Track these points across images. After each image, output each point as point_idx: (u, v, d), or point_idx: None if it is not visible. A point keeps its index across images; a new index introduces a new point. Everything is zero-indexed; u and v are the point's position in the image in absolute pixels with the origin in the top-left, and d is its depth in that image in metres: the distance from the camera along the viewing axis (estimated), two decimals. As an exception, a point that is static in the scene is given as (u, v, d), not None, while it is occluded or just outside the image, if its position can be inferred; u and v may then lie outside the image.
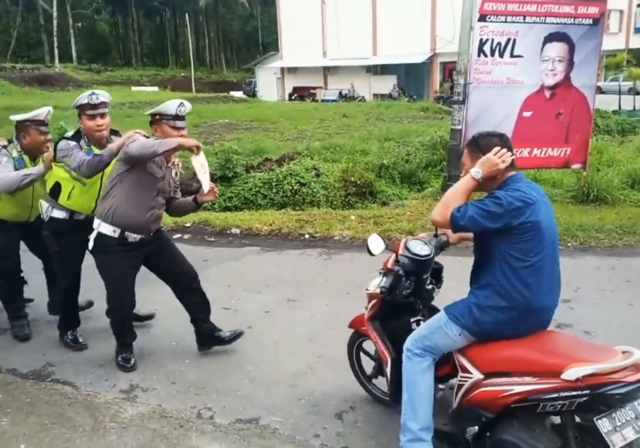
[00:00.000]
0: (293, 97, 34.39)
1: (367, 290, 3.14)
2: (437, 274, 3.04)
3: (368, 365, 3.43)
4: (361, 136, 13.69)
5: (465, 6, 7.92)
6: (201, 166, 3.42)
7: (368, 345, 3.34)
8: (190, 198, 3.86)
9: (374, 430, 3.14)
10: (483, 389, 2.40)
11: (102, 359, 3.97)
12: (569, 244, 6.11)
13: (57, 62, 43.12)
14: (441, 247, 3.02)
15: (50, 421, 3.24)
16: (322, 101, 31.12)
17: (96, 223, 3.58)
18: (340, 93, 32.01)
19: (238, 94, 34.73)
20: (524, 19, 7.29)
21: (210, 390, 3.58)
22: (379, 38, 31.59)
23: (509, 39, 7.34)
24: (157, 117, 3.52)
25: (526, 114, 7.68)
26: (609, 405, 2.10)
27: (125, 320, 3.86)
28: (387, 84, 31.41)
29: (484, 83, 7.46)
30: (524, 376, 2.28)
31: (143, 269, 3.95)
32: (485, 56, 7.38)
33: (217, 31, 58.79)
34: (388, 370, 2.97)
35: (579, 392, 2.12)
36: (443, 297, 3.11)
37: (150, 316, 4.50)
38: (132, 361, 3.84)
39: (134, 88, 37.43)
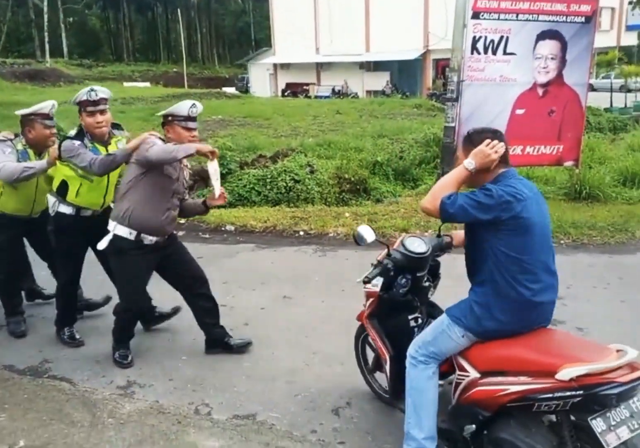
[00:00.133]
0: (286, 94, 34.34)
1: (364, 287, 3.17)
2: (434, 271, 3.06)
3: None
4: (355, 133, 13.73)
5: (458, 3, 7.93)
6: (215, 171, 3.46)
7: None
8: (199, 201, 3.89)
9: (371, 426, 3.18)
10: (480, 388, 2.42)
11: (99, 355, 3.98)
12: (562, 241, 6.17)
13: (48, 57, 42.82)
14: (442, 248, 3.02)
15: (49, 417, 3.25)
16: (315, 97, 31.09)
17: (111, 225, 3.58)
18: (333, 89, 31.99)
19: (230, 90, 34.65)
20: (517, 16, 7.31)
21: (208, 386, 3.60)
22: (372, 34, 31.58)
23: (502, 37, 7.36)
24: (169, 118, 3.54)
25: (519, 111, 7.72)
26: (603, 405, 2.10)
27: (132, 320, 3.88)
28: (380, 81, 31.43)
29: (477, 80, 7.48)
30: (519, 375, 2.29)
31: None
32: (479, 53, 7.39)
33: (209, 26, 58.57)
34: (387, 367, 2.99)
35: (573, 392, 2.12)
36: (442, 294, 3.15)
37: (175, 310, 4.37)
38: (129, 358, 3.86)
39: (125, 84, 37.27)
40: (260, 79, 38.69)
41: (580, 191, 7.98)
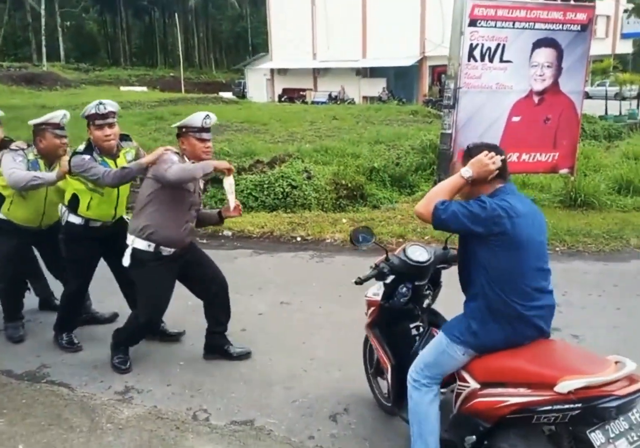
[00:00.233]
0: (283, 99, 34.37)
1: (365, 296, 3.18)
2: (435, 280, 3.06)
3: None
4: (351, 139, 13.75)
5: (455, 11, 7.99)
6: (230, 186, 3.53)
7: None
8: (215, 211, 3.93)
9: (368, 432, 3.19)
10: (480, 399, 2.42)
11: (97, 361, 3.99)
12: (557, 248, 6.21)
13: (45, 61, 42.79)
14: (447, 261, 3.00)
15: (47, 422, 3.26)
16: (312, 102, 31.12)
17: (130, 239, 3.59)
18: (329, 95, 32.05)
19: (227, 95, 34.63)
20: (514, 24, 7.38)
21: (205, 392, 3.61)
22: (368, 41, 31.70)
23: (498, 44, 7.42)
24: (184, 130, 3.56)
25: (515, 119, 7.78)
26: (602, 417, 2.10)
27: (145, 332, 3.91)
28: (376, 87, 31.52)
29: (474, 88, 7.54)
30: (518, 387, 2.29)
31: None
32: (475, 60, 7.45)
33: (206, 31, 58.68)
34: (388, 376, 2.99)
35: (572, 405, 2.12)
36: (446, 302, 3.17)
37: (180, 334, 4.39)
38: (128, 364, 3.87)
39: (122, 88, 37.22)
40: (257, 84, 38.75)
41: (576, 199, 8.04)
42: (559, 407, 2.15)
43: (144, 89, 37.00)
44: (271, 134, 15.85)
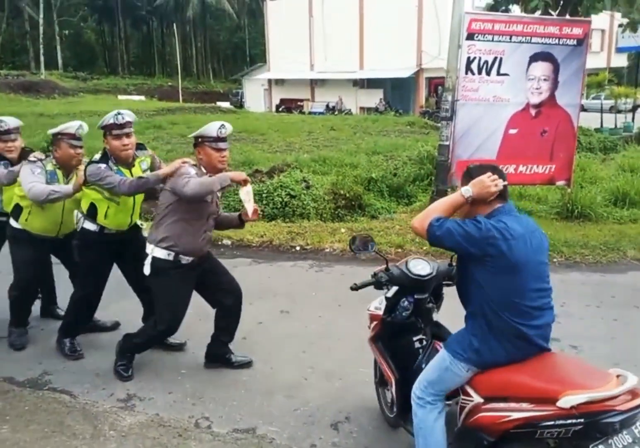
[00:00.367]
0: (280, 109, 34.56)
1: (367, 310, 3.20)
2: (437, 292, 3.06)
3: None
4: (349, 149, 13.85)
5: (453, 25, 8.11)
6: (247, 193, 3.56)
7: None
8: (235, 215, 3.95)
9: (370, 441, 3.22)
10: (483, 414, 2.42)
11: (98, 368, 4.01)
12: (555, 259, 6.27)
13: (43, 69, 42.90)
14: (452, 278, 2.96)
15: (50, 429, 3.28)
16: (309, 113, 31.34)
17: (149, 248, 3.62)
18: (327, 106, 32.27)
19: (225, 104, 34.88)
20: (511, 38, 7.47)
21: (207, 400, 3.63)
22: (365, 52, 31.94)
23: (495, 58, 7.51)
24: (200, 139, 3.58)
25: (512, 131, 7.86)
26: (605, 432, 2.10)
27: (159, 340, 3.96)
28: (373, 98, 31.72)
29: (471, 100, 7.62)
30: (521, 402, 2.29)
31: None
32: (473, 73, 7.53)
33: (204, 41, 58.90)
34: (393, 390, 2.99)
35: (574, 420, 2.13)
36: (450, 315, 3.21)
37: (181, 345, 4.35)
38: (130, 371, 3.88)
39: (120, 97, 37.38)
40: (255, 94, 38.94)
41: (572, 210, 8.11)
42: (561, 422, 2.15)
43: (142, 98, 37.15)
44: (269, 143, 15.97)
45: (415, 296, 2.92)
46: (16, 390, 3.73)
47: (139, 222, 4.17)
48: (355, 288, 2.96)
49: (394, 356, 3.03)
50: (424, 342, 2.98)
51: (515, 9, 12.57)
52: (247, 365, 4.05)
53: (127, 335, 3.95)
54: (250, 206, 3.59)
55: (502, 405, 2.36)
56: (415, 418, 2.64)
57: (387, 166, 11.26)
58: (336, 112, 30.22)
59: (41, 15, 43.75)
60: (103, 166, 3.71)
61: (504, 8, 12.28)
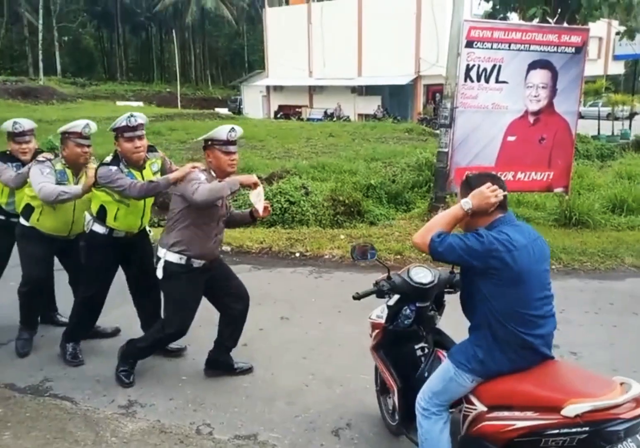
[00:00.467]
0: (279, 116, 34.67)
1: (369, 318, 3.21)
2: (439, 300, 3.06)
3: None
4: (348, 156, 13.89)
5: (452, 33, 8.17)
6: (257, 195, 3.55)
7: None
8: (247, 212, 3.96)
9: (370, 447, 3.22)
10: (487, 422, 2.42)
11: (99, 375, 4.01)
12: (553, 266, 6.28)
13: (42, 75, 42.95)
14: (453, 285, 2.99)
15: (52, 435, 3.28)
16: (308, 119, 31.44)
17: (161, 252, 3.63)
18: (325, 112, 32.36)
19: (224, 111, 34.95)
20: (509, 46, 7.52)
21: (208, 406, 3.64)
22: (364, 59, 32.06)
23: (494, 65, 7.56)
24: (209, 142, 3.58)
25: (510, 138, 7.90)
26: (610, 441, 2.10)
27: (165, 344, 3.97)
28: (371, 105, 31.82)
29: (470, 107, 7.66)
30: (525, 410, 2.30)
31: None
32: (472, 81, 7.58)
33: (203, 48, 59.07)
34: (395, 399, 2.99)
35: (579, 429, 2.13)
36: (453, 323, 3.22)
37: (181, 349, 4.37)
38: (132, 378, 3.89)
39: (119, 103, 37.45)
40: (253, 100, 39.02)
41: (570, 217, 8.13)
42: (566, 430, 2.16)
43: (140, 104, 37.24)
44: (268, 150, 16.01)
45: (417, 305, 2.93)
46: (17, 396, 3.73)
47: (147, 228, 4.19)
48: (358, 297, 2.96)
49: (396, 365, 3.02)
50: (426, 350, 2.98)
51: (514, 17, 12.64)
52: (248, 371, 4.06)
53: (131, 340, 3.95)
54: (260, 206, 3.57)
55: (506, 413, 2.36)
56: (421, 429, 2.63)
57: (386, 173, 11.31)
58: (334, 119, 30.31)
59: (40, 21, 43.82)
60: (114, 168, 3.72)
61: (502, 16, 12.34)
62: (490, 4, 12.35)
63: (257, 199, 3.56)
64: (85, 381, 3.93)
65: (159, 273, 3.64)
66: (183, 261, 3.61)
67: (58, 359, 4.21)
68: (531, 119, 7.89)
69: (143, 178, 3.86)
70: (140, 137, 3.79)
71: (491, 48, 7.47)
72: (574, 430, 2.14)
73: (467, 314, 2.61)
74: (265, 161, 13.38)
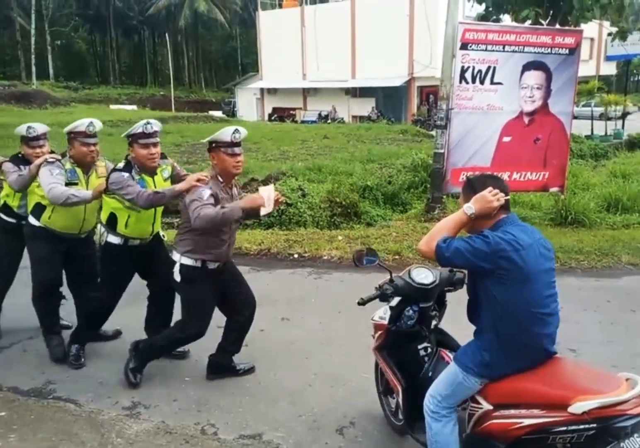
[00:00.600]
0: (273, 118, 34.67)
1: (372, 319, 3.23)
2: (440, 300, 3.09)
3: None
4: (343, 158, 13.94)
5: (447, 35, 8.24)
6: (268, 190, 3.56)
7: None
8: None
9: (375, 445, 3.26)
10: (494, 421, 2.44)
11: (102, 377, 4.03)
12: (550, 265, 6.33)
13: (35, 80, 42.83)
14: (453, 284, 3.02)
15: (58, 437, 3.29)
16: (302, 122, 31.47)
17: (176, 256, 3.65)
18: (319, 114, 32.40)
19: (218, 113, 34.92)
20: (504, 48, 7.60)
21: (212, 407, 3.66)
22: (357, 61, 32.12)
23: (489, 67, 7.63)
24: (214, 144, 3.58)
25: (506, 139, 7.97)
26: (617, 436, 2.13)
27: (180, 345, 3.97)
28: (366, 107, 31.88)
29: (466, 109, 7.73)
30: (532, 408, 2.31)
31: (135, 288, 4.12)
32: (467, 82, 7.65)
33: (196, 51, 58.99)
34: (399, 399, 3.01)
35: (587, 426, 2.16)
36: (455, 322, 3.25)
37: (184, 353, 4.37)
38: (139, 378, 3.90)
39: (112, 106, 37.34)
40: (247, 103, 39.01)
41: (566, 217, 8.20)
42: (574, 427, 2.19)
43: (134, 107, 37.15)
44: (263, 152, 16.03)
45: (420, 305, 2.95)
46: (21, 399, 3.74)
47: (161, 233, 4.20)
48: (362, 302, 2.96)
49: (400, 365, 3.03)
50: (429, 350, 3.00)
51: (506, 19, 12.71)
52: (250, 371, 4.08)
53: (147, 339, 3.97)
54: (270, 205, 3.53)
55: (513, 411, 2.38)
56: (430, 431, 2.63)
57: (382, 174, 11.35)
58: (329, 121, 30.36)
59: (33, 25, 43.73)
60: (126, 174, 3.72)
61: (494, 18, 12.41)
62: (483, 6, 12.42)
63: (267, 196, 3.53)
64: (88, 383, 3.94)
65: (176, 277, 3.66)
66: (199, 264, 3.63)
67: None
68: (526, 119, 7.96)
69: (155, 184, 3.87)
70: (155, 145, 3.80)
71: (486, 50, 7.54)
72: (581, 427, 2.17)
73: (473, 318, 2.61)
74: (261, 163, 13.40)
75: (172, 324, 4.10)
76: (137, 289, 4.34)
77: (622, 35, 12.56)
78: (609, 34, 13.56)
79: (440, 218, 8.41)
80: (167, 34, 46.77)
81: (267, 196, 3.52)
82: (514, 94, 7.78)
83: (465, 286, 2.81)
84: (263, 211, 3.52)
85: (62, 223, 4.15)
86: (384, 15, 29.08)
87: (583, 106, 24.05)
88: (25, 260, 4.45)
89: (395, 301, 2.99)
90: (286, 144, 17.78)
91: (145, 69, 60.77)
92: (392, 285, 2.94)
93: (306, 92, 35.75)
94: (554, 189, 8.34)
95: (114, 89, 48.68)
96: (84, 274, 4.36)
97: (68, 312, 4.61)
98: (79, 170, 4.09)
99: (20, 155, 4.43)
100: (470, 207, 2.49)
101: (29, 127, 4.31)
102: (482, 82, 7.66)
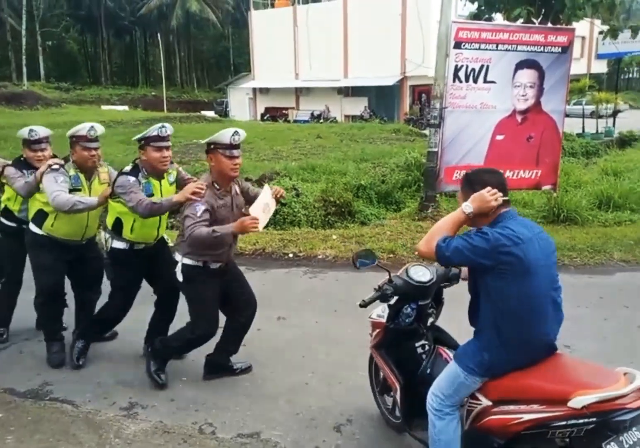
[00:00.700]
0: (265, 118, 34.63)
1: (369, 317, 3.25)
2: (437, 297, 3.10)
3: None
4: (337, 157, 13.95)
5: (441, 34, 8.26)
6: (266, 205, 3.53)
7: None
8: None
9: (372, 442, 3.28)
10: (493, 417, 2.45)
11: (98, 377, 4.03)
12: (544, 262, 6.37)
13: (25, 80, 42.62)
14: (449, 279, 3.04)
15: (56, 438, 3.29)
16: (294, 121, 31.47)
17: (178, 256, 3.65)
18: (312, 114, 32.40)
19: (210, 113, 34.85)
20: (497, 46, 7.63)
21: (210, 406, 3.66)
22: (350, 61, 32.14)
23: (482, 66, 7.67)
24: (212, 146, 3.54)
25: (499, 137, 8.01)
26: (616, 430, 2.15)
27: (195, 346, 3.92)
28: (358, 106, 31.91)
29: (459, 107, 7.76)
30: (531, 403, 2.33)
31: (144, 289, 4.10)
32: (460, 81, 7.68)
33: (188, 51, 58.83)
34: (397, 396, 3.02)
35: (586, 420, 2.17)
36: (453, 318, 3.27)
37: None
38: (165, 377, 3.91)
39: (104, 107, 37.22)
40: (240, 103, 38.95)
41: (559, 214, 8.26)
42: (574, 421, 2.20)
43: (126, 108, 37.03)
44: (256, 152, 16.00)
45: (418, 303, 2.97)
46: (17, 400, 3.74)
47: (165, 236, 4.19)
48: (364, 305, 2.95)
49: (398, 363, 3.05)
50: (427, 347, 3.02)
51: (498, 18, 12.75)
52: (247, 370, 4.10)
53: (163, 339, 3.96)
54: (262, 225, 3.43)
55: (512, 407, 2.39)
56: (434, 428, 2.63)
57: (375, 173, 11.39)
58: (321, 121, 30.37)
59: (23, 26, 43.47)
60: (132, 179, 3.71)
61: (487, 16, 12.44)
62: (475, 5, 12.45)
63: (262, 208, 3.48)
64: (85, 384, 3.94)
65: (179, 277, 3.66)
66: (200, 263, 3.63)
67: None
68: (519, 118, 8.00)
69: (161, 188, 3.87)
70: (167, 148, 3.79)
71: (479, 49, 7.57)
72: (581, 421, 2.19)
73: (473, 319, 2.61)
74: (254, 163, 13.39)
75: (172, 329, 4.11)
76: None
77: (613, 33, 12.60)
78: (600, 33, 13.62)
79: (434, 217, 8.54)
80: (158, 34, 46.61)
81: (262, 208, 3.47)
82: (507, 92, 7.82)
83: (464, 285, 2.81)
84: (260, 227, 3.43)
85: (65, 231, 4.11)
86: (376, 14, 29.12)
87: (574, 104, 24.16)
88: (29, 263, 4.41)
89: (394, 299, 3.01)
90: (279, 143, 17.77)
91: (137, 69, 60.56)
92: (392, 285, 2.94)
93: (299, 92, 35.73)
94: (546, 187, 8.39)
95: (105, 90, 48.52)
96: (86, 278, 4.34)
97: (67, 314, 4.57)
98: (82, 176, 4.06)
99: (22, 158, 4.40)
100: (468, 206, 2.50)
101: (30, 130, 4.27)
102: (475, 81, 7.70)
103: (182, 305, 3.96)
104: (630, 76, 55.53)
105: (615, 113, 22.95)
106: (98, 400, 3.75)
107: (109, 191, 3.82)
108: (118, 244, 3.92)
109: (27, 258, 4.37)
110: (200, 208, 3.45)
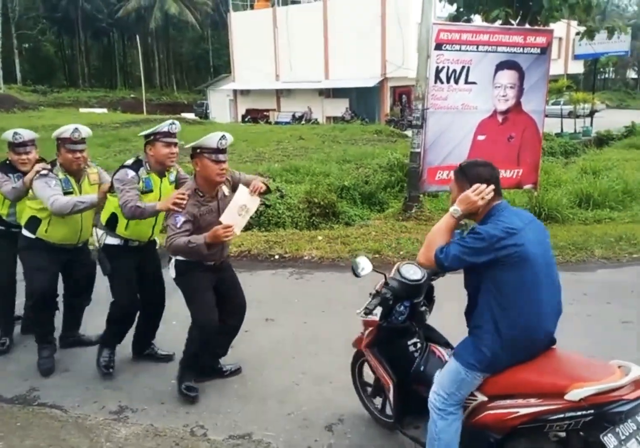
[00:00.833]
0: (246, 119, 34.54)
1: (361, 316, 3.25)
2: (428, 295, 3.13)
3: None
4: (320, 158, 13.99)
5: (422, 36, 8.34)
6: (242, 207, 3.49)
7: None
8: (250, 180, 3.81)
9: (364, 441, 3.30)
10: (489, 412, 2.48)
11: (87, 381, 4.00)
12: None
13: (2, 84, 42.05)
14: (436, 272, 3.04)
15: (46, 443, 3.27)
16: (276, 123, 31.45)
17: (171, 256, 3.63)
18: (293, 116, 32.39)
19: (190, 115, 34.63)
20: (477, 48, 7.71)
21: (200, 409, 3.66)
22: (330, 62, 32.18)
23: (463, 67, 7.74)
24: (198, 151, 3.49)
25: (480, 137, 8.10)
26: (613, 422, 2.20)
27: (206, 344, 3.72)
28: (339, 107, 31.97)
29: (441, 108, 7.83)
30: (528, 398, 2.36)
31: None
32: (442, 82, 7.74)
33: (166, 53, 58.48)
34: (390, 395, 3.03)
35: (584, 412, 2.21)
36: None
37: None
38: (197, 391, 3.78)
39: (82, 110, 36.81)
40: (220, 105, 38.80)
41: (540, 213, 8.36)
42: (571, 414, 2.24)
43: (104, 110, 36.64)
44: (238, 154, 15.98)
45: (414, 301, 2.99)
46: (5, 406, 3.71)
47: (156, 239, 4.16)
48: (369, 312, 2.94)
49: (391, 361, 3.06)
50: (419, 345, 3.04)
51: (477, 19, 12.88)
52: (237, 372, 4.09)
53: (183, 352, 3.81)
54: (237, 231, 3.46)
55: (508, 402, 2.42)
56: (435, 427, 2.63)
57: (359, 174, 11.43)
58: (303, 122, 30.39)
59: (-1, 29, 42.99)
60: (132, 174, 3.68)
61: (466, 18, 12.57)
62: (455, 6, 12.57)
63: (237, 212, 3.46)
64: (73, 388, 3.92)
65: (172, 272, 3.66)
66: (193, 259, 3.60)
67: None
68: (500, 118, 8.10)
69: (161, 186, 3.85)
70: (175, 144, 3.78)
71: (460, 50, 7.65)
72: (579, 413, 2.23)
73: (471, 316, 2.62)
74: (237, 165, 13.33)
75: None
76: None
77: (590, 34, 12.82)
78: (577, 34, 13.84)
79: (418, 217, 8.61)
80: (137, 36, 46.24)
81: (237, 211, 3.45)
82: (488, 93, 7.91)
83: (455, 284, 2.84)
84: (237, 232, 3.45)
85: (60, 235, 4.08)
86: (356, 15, 29.19)
87: (552, 104, 24.46)
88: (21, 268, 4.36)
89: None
90: (261, 145, 17.76)
91: (115, 71, 60.05)
92: (389, 288, 2.95)
93: (280, 94, 35.69)
94: (527, 186, 8.50)
95: (83, 92, 48.08)
96: (77, 283, 4.32)
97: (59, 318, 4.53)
98: (71, 179, 4.03)
99: (7, 162, 4.35)
100: (456, 209, 2.55)
101: (15, 133, 4.21)
102: (456, 82, 7.77)
103: (174, 307, 3.96)
104: (607, 76, 56.46)
105: (592, 113, 23.31)
106: (87, 404, 3.72)
107: (107, 186, 3.80)
108: (112, 241, 3.89)
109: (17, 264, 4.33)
110: (180, 219, 3.43)
